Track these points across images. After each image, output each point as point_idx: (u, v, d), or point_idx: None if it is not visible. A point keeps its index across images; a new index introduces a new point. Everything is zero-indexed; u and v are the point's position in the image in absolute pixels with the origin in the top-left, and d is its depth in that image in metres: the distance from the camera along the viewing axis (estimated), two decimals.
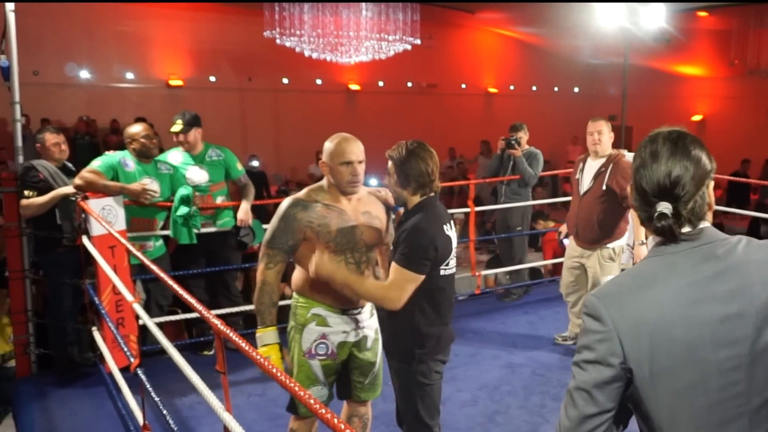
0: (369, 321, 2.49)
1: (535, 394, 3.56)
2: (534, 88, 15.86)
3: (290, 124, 12.77)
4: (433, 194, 2.30)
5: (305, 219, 2.29)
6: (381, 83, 13.98)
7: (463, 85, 15.19)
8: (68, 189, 3.55)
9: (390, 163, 2.29)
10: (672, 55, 12.71)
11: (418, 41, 11.38)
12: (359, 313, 2.43)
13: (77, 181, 3.51)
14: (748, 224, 8.54)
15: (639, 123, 9.49)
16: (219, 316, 1.84)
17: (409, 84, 14.44)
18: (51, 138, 3.69)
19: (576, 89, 16.36)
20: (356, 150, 2.32)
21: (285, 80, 13.05)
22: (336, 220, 2.31)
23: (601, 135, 3.84)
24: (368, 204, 2.43)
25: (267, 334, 2.27)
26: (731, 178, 8.31)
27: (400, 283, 2.20)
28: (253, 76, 12.66)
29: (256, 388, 3.57)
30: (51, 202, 3.54)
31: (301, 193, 2.37)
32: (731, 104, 13.92)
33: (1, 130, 10.82)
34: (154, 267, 2.32)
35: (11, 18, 3.59)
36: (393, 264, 2.22)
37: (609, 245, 3.89)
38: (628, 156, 3.92)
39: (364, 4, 10.70)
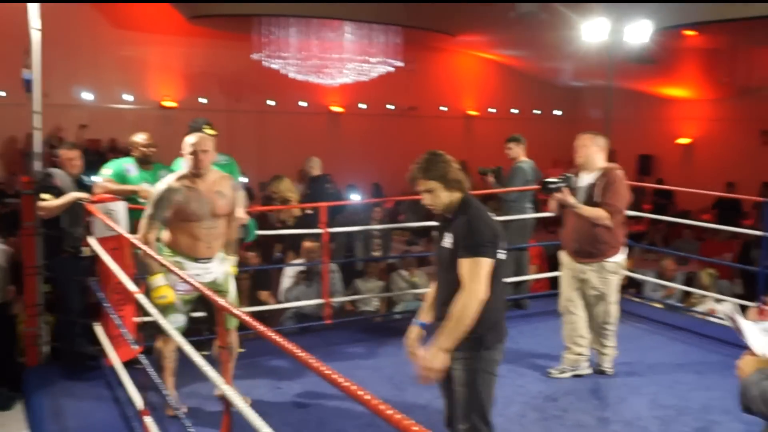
0: (217, 267, 3.34)
1: (514, 405, 3.63)
2: (514, 110, 16.03)
3: (275, 144, 13.20)
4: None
5: (174, 198, 3.18)
6: (362, 105, 14.34)
7: (443, 108, 15.49)
8: (80, 194, 3.97)
9: (426, 181, 2.51)
10: (657, 76, 12.42)
11: (401, 63, 11.65)
12: (208, 261, 3.30)
13: (97, 189, 3.98)
14: (739, 249, 8.00)
15: (622, 146, 9.36)
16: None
17: (390, 106, 14.76)
18: (65, 153, 4.12)
19: (557, 112, 16.43)
20: (200, 143, 3.17)
21: (271, 102, 13.54)
22: (194, 198, 3.19)
23: (584, 148, 3.82)
24: (220, 184, 3.28)
25: (158, 279, 3.16)
26: (722, 194, 7.95)
27: (477, 273, 2.38)
28: (241, 98, 13.15)
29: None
30: (64, 206, 3.94)
31: (172, 180, 3.22)
32: (719, 126, 13.59)
33: (10, 147, 11.39)
34: (166, 262, 2.81)
35: (36, 36, 4.00)
36: (463, 261, 2.40)
37: (611, 259, 3.85)
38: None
39: (347, 27, 11.07)
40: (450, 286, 2.48)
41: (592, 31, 7.72)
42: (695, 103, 14.15)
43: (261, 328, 1.83)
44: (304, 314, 5.46)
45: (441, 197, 2.53)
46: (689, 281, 6.24)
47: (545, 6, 9.44)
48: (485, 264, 2.41)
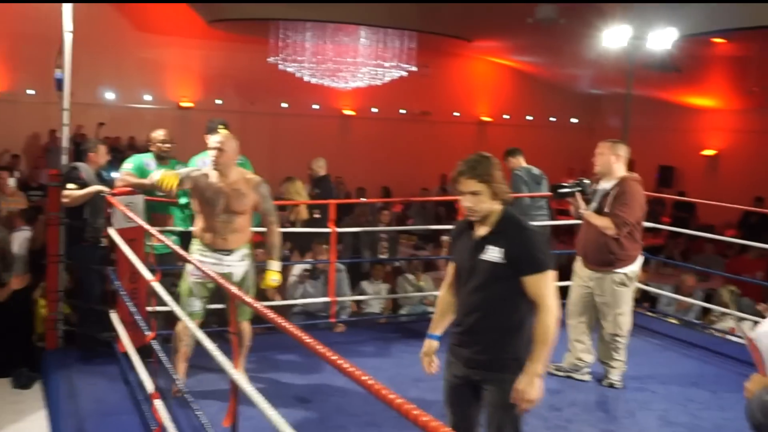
0: (236, 262, 3.56)
1: None
2: (529, 117, 15.84)
3: (287, 146, 13.42)
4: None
5: (195, 178, 3.53)
6: (374, 109, 14.47)
7: (456, 114, 15.46)
8: (102, 187, 4.21)
9: (473, 182, 2.33)
10: (682, 84, 11.89)
11: (414, 68, 11.66)
12: (225, 254, 3.53)
13: (118, 182, 4.21)
14: None
15: (641, 157, 9.05)
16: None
17: (402, 111, 14.81)
18: (102, 150, 4.50)
19: (574, 120, 16.05)
20: (217, 142, 3.45)
21: (284, 105, 13.80)
22: (211, 188, 3.49)
23: (601, 156, 3.78)
24: (241, 183, 3.52)
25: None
26: (749, 209, 7.48)
27: (550, 288, 2.30)
28: (255, 100, 13.43)
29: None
30: (87, 196, 4.18)
31: (199, 171, 3.60)
32: (747, 138, 13.07)
33: (34, 143, 11.80)
34: (175, 247, 2.99)
35: (68, 38, 4.25)
36: (532, 278, 2.29)
37: (620, 270, 3.79)
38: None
39: (362, 31, 11.17)
40: (488, 301, 2.37)
41: (613, 37, 7.49)
42: (722, 114, 13.65)
43: (276, 318, 1.84)
44: (309, 312, 5.60)
45: (484, 203, 2.35)
46: (709, 298, 6.05)
47: (564, 11, 9.30)
48: (552, 275, 2.34)
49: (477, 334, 2.40)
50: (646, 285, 5.74)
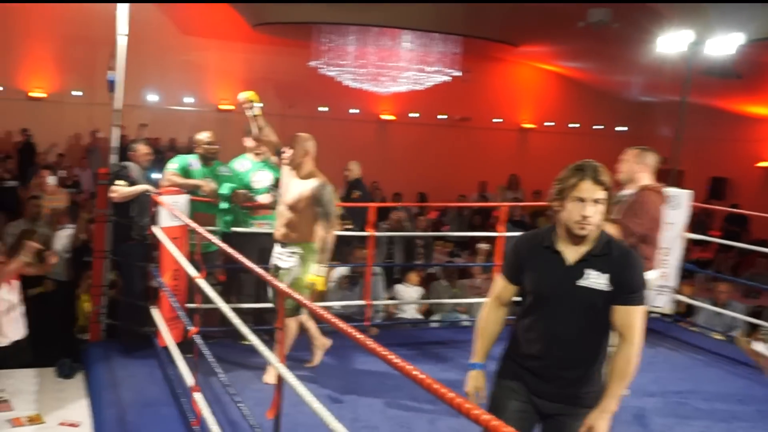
0: (285, 256, 3.74)
1: None
2: (574, 125, 15.48)
3: (324, 150, 13.47)
4: None
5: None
6: (414, 114, 14.43)
7: (498, 120, 15.26)
8: (148, 187, 4.33)
9: (601, 188, 2.08)
10: (739, 92, 11.32)
11: (458, 73, 11.45)
12: (281, 246, 3.76)
13: (163, 182, 4.32)
14: None
15: (693, 167, 8.61)
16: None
17: (442, 116, 14.70)
18: (142, 149, 4.59)
19: (622, 128, 15.29)
20: (291, 141, 3.80)
21: (322, 108, 13.90)
22: (284, 183, 3.82)
23: (626, 163, 3.72)
24: (301, 186, 3.72)
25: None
26: None
27: (641, 320, 2.13)
28: (294, 103, 13.58)
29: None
30: (134, 193, 4.30)
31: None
32: None
33: (75, 143, 12.21)
34: (236, 253, 3.07)
35: (122, 41, 4.39)
36: (632, 309, 2.10)
37: None
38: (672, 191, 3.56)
39: (406, 35, 11.07)
40: (583, 332, 2.14)
41: (672, 41, 7.14)
42: None
43: (332, 319, 1.83)
44: (342, 315, 5.63)
45: (601, 216, 2.09)
46: (757, 315, 5.85)
47: (618, 15, 8.98)
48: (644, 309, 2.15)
49: (567, 368, 2.17)
50: (692, 299, 5.61)
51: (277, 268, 3.79)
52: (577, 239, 2.11)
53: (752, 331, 5.59)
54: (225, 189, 4.45)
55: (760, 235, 10.49)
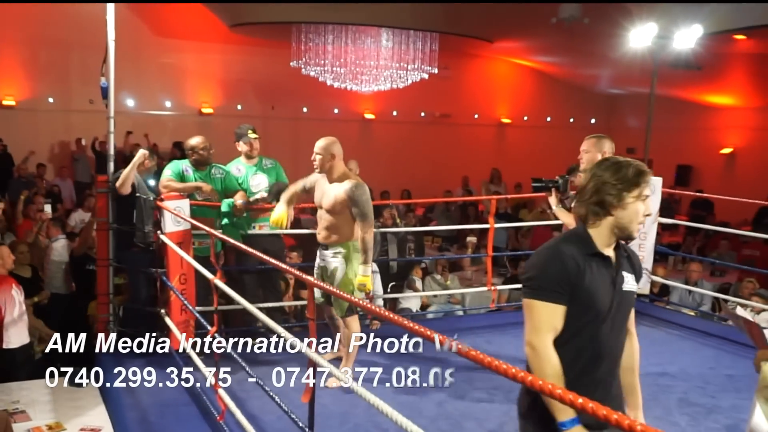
0: (329, 257, 3.91)
1: None
2: (548, 119, 15.83)
3: (308, 151, 13.50)
4: None
5: (311, 182, 4.09)
6: (395, 113, 14.57)
7: (476, 116, 15.46)
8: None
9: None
10: (701, 82, 11.79)
11: (435, 70, 11.68)
12: (324, 249, 3.95)
13: (161, 188, 4.37)
14: None
15: (660, 156, 8.85)
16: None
17: (423, 114, 14.86)
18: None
19: (593, 120, 15.75)
20: (315, 147, 3.92)
21: (305, 109, 13.92)
22: (318, 188, 3.98)
23: (586, 154, 3.70)
24: (336, 189, 3.84)
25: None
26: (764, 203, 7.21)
27: None
28: (276, 104, 13.58)
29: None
30: (131, 174, 4.32)
31: (313, 178, 4.07)
32: (765, 136, 13.13)
33: (63, 151, 11.95)
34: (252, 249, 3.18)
35: (112, 46, 4.36)
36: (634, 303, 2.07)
37: None
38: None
39: (385, 33, 11.21)
40: (624, 338, 2.07)
41: (638, 36, 7.39)
42: (741, 111, 13.61)
43: (379, 310, 1.91)
44: None
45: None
46: (724, 291, 6.42)
47: (588, 10, 9.32)
48: None
49: (616, 381, 2.05)
50: (665, 279, 6.16)
51: (324, 270, 3.94)
52: (613, 242, 1.98)
53: (720, 306, 6.07)
54: (225, 206, 4.48)
55: (723, 217, 10.98)
